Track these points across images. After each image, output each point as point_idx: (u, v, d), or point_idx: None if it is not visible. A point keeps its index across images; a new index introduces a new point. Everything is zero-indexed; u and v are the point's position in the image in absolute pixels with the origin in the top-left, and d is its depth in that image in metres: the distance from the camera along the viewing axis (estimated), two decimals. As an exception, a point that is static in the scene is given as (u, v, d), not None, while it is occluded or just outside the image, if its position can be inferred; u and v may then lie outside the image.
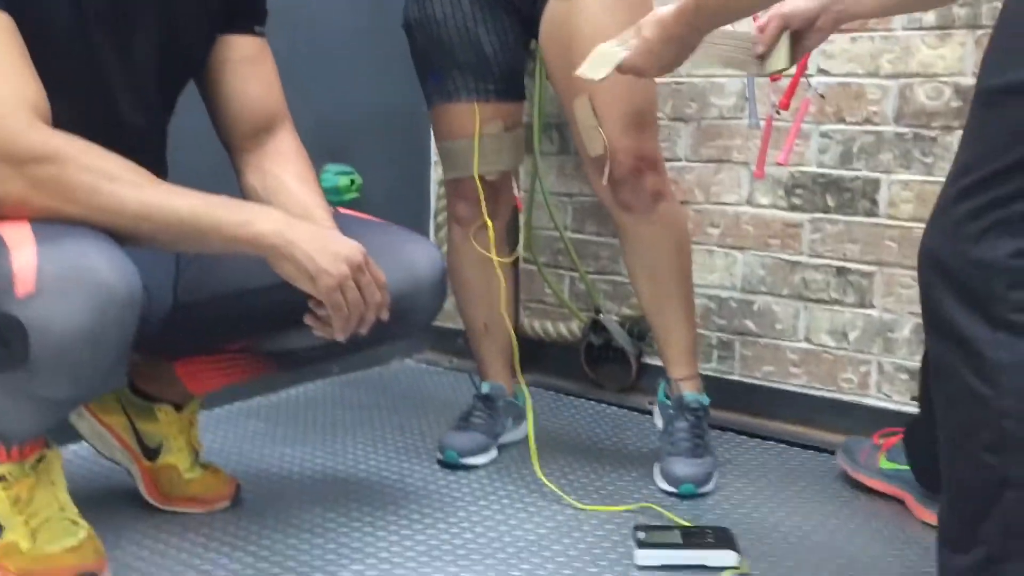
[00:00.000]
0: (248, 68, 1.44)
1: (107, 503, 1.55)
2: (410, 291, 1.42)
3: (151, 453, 1.56)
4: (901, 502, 1.58)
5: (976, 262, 0.97)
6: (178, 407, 1.55)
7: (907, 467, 1.55)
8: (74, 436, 1.60)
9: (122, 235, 1.17)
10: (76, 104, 1.21)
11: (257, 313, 1.42)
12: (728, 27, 1.36)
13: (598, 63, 1.45)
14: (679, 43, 1.33)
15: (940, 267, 1.01)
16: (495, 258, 1.73)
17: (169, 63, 1.38)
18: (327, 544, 1.46)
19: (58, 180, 1.14)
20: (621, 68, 1.39)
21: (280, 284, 1.31)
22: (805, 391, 1.99)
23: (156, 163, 1.41)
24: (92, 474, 1.68)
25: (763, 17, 1.38)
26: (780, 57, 1.43)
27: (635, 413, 2.05)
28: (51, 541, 1.28)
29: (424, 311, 1.47)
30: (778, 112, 1.72)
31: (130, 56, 1.32)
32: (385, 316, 1.31)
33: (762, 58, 1.43)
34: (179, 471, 1.55)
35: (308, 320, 1.30)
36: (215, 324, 1.45)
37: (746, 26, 1.42)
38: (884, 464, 1.60)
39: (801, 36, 1.39)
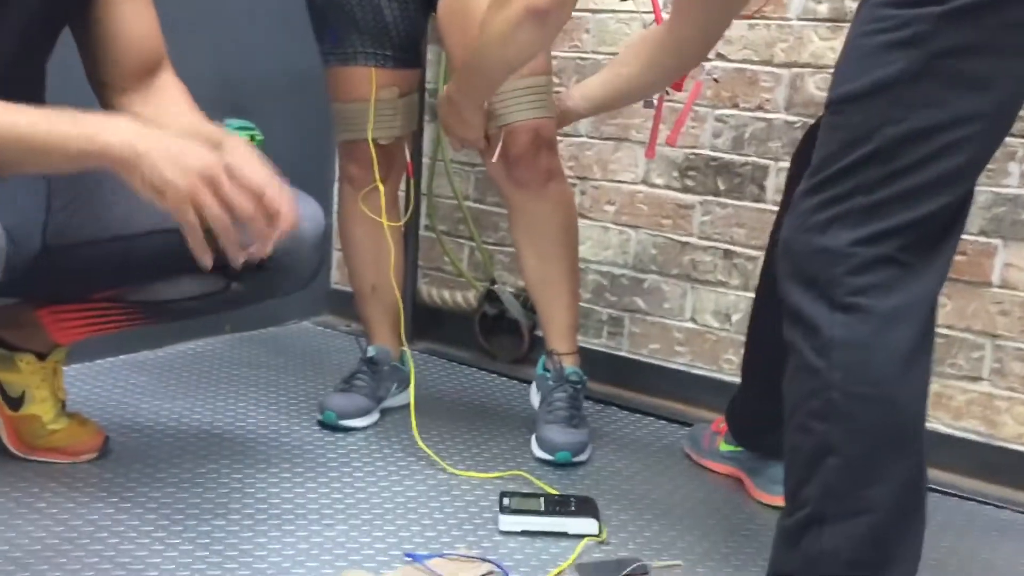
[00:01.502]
0: (132, 7, 1.41)
1: (-33, 450, 1.52)
2: (292, 246, 1.40)
3: (14, 403, 1.52)
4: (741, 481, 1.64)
5: (820, 249, 1.04)
6: (41, 356, 1.52)
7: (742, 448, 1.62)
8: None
9: None
10: None
11: (128, 261, 1.39)
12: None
13: None
14: (456, 109, 1.58)
15: (789, 254, 1.08)
16: (385, 222, 1.73)
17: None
18: (191, 499, 1.45)
19: None
20: None
21: (152, 232, 1.28)
22: (688, 369, 2.04)
23: (26, 97, 1.37)
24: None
25: None
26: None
27: (523, 384, 2.07)
28: None
29: (305, 267, 1.47)
30: (668, 93, 1.75)
31: None
32: (267, 248, 1.20)
33: None
34: (42, 421, 1.52)
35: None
36: (84, 271, 1.42)
37: None
38: (723, 447, 1.67)
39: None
